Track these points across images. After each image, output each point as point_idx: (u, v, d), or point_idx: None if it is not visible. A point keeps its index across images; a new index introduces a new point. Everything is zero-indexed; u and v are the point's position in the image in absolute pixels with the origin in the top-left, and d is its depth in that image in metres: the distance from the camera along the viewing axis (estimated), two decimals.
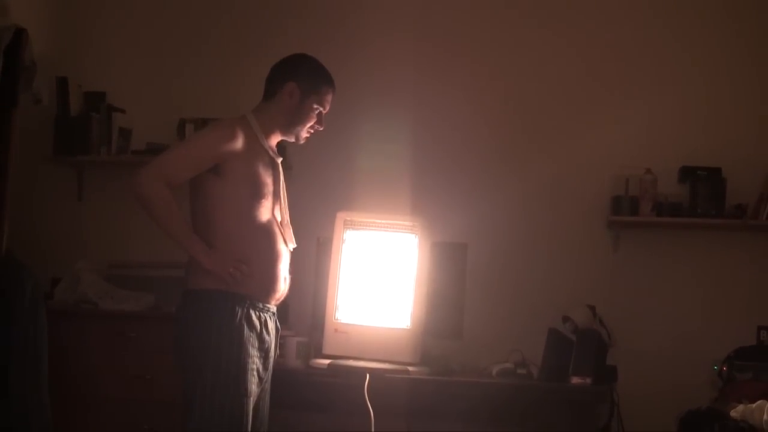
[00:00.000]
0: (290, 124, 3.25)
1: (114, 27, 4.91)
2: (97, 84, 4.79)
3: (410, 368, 3.80)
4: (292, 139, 3.31)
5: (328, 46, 4.49)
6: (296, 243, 3.30)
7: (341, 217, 4.00)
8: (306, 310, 4.26)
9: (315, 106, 3.26)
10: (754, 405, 3.41)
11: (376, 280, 3.97)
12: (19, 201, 4.06)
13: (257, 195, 3.13)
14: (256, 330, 3.10)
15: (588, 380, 3.81)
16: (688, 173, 4.38)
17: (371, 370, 3.74)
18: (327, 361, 3.86)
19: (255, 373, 3.09)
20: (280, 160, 3.28)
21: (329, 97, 3.29)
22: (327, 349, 3.92)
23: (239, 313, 3.06)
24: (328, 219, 4.08)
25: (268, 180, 3.17)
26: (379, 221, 3.98)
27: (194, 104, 4.67)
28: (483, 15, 4.68)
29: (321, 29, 4.67)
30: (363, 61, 4.65)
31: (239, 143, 3.10)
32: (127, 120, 4.75)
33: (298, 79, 3.24)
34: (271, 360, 3.22)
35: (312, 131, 3.31)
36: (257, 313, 3.11)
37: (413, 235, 3.92)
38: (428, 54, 4.65)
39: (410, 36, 4.66)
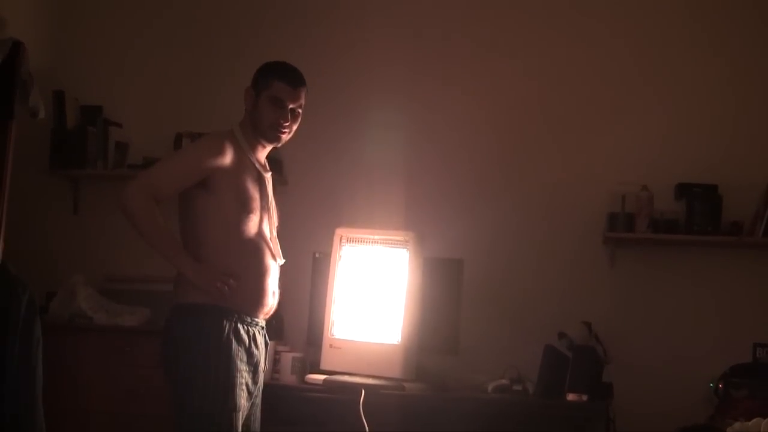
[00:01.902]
0: (256, 127, 3.22)
1: (111, 41, 4.91)
2: (93, 98, 4.78)
3: (405, 384, 3.79)
4: (272, 142, 3.25)
5: (325, 64, 4.52)
6: (288, 258, 3.30)
7: (339, 233, 4.01)
8: (302, 326, 4.26)
9: (268, 100, 3.20)
10: (750, 423, 3.40)
11: (372, 295, 3.97)
12: (14, 214, 4.05)
13: (245, 209, 3.12)
14: (245, 344, 3.10)
15: (584, 397, 3.81)
16: (684, 190, 4.37)
17: (366, 386, 3.74)
18: (322, 377, 3.86)
19: (244, 387, 3.08)
20: (268, 174, 3.28)
21: (281, 86, 3.20)
22: (323, 365, 3.92)
23: (227, 327, 3.05)
24: (323, 234, 4.08)
25: (256, 194, 3.17)
26: (373, 237, 3.99)
27: (191, 119, 4.66)
28: (479, 29, 4.68)
29: (319, 47, 4.66)
30: (359, 75, 4.65)
31: (227, 157, 3.10)
32: (123, 134, 4.75)
33: (252, 82, 3.26)
34: (261, 374, 3.21)
35: (284, 130, 3.22)
36: (245, 327, 3.11)
37: (405, 250, 3.92)
38: (423, 67, 4.65)
39: (405, 50, 4.67)
